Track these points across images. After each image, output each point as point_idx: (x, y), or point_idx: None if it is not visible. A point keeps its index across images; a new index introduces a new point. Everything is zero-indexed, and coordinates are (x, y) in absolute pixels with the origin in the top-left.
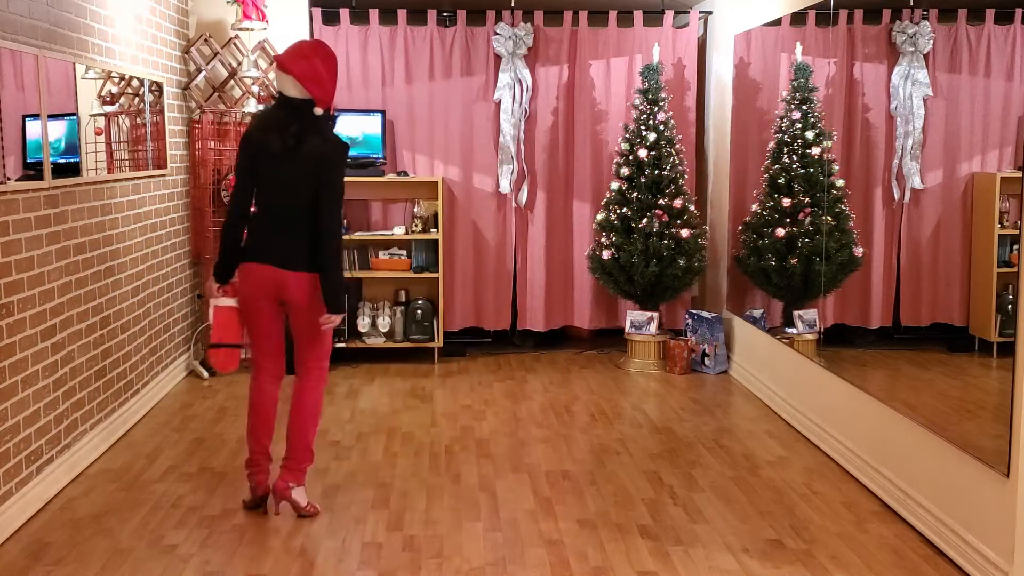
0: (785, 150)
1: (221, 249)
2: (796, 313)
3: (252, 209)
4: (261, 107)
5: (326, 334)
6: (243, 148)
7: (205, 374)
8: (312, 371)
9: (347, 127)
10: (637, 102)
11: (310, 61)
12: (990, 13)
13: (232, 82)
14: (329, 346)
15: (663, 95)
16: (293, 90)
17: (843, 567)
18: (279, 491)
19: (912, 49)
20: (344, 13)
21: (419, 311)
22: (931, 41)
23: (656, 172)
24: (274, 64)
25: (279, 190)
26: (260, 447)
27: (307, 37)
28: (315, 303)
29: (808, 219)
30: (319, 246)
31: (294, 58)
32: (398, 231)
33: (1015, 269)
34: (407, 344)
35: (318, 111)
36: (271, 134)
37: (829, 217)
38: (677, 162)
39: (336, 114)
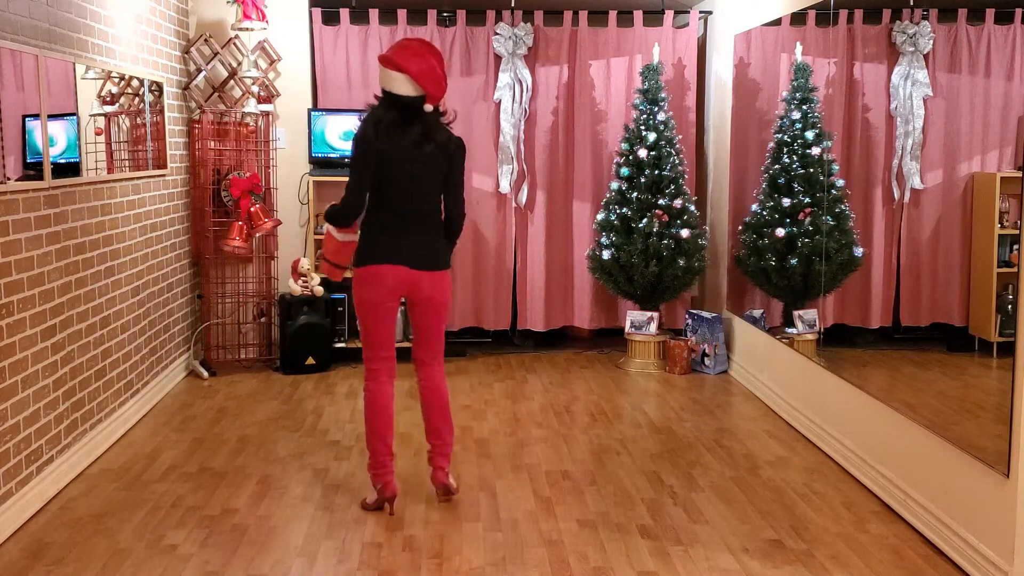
0: (785, 150)
1: (347, 212)
2: (796, 313)
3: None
4: (263, 107)
5: (444, 327)
6: (361, 152)
7: (205, 374)
8: (438, 363)
9: (347, 127)
10: (637, 102)
11: (425, 59)
12: (990, 13)
13: (232, 82)
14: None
15: (663, 95)
16: (405, 88)
17: (843, 567)
18: (441, 480)
19: (912, 49)
20: (344, 13)
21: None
22: (931, 41)
23: (656, 172)
24: (383, 63)
25: (409, 191)
26: (387, 447)
27: (307, 37)
28: (442, 300)
29: (808, 219)
30: (450, 231)
31: (409, 57)
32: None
33: (1015, 269)
34: (407, 344)
35: (428, 108)
36: (395, 137)
37: (829, 217)
38: (677, 162)
39: (444, 110)
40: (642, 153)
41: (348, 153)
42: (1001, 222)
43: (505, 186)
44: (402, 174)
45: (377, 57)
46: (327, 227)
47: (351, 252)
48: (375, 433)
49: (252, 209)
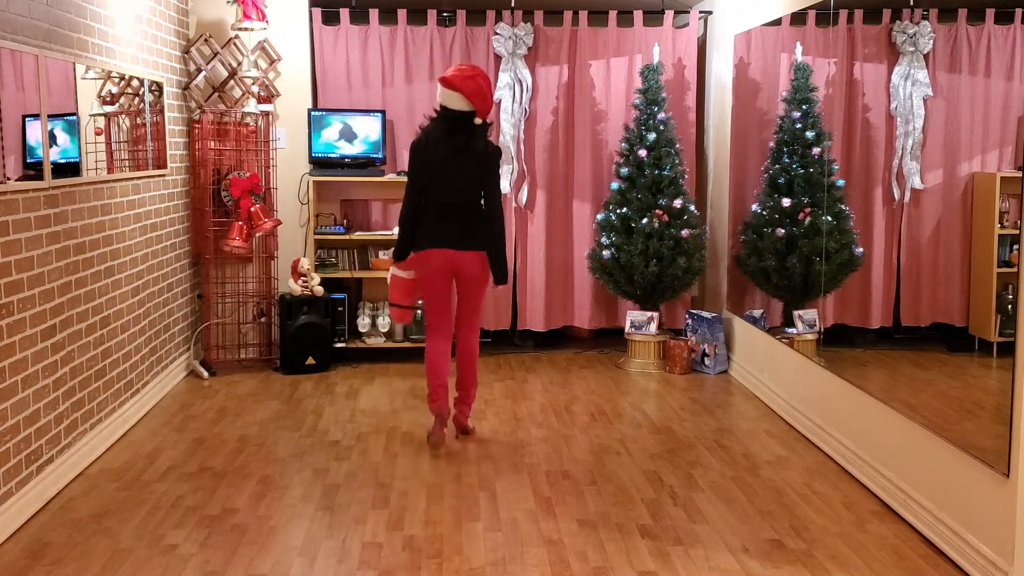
0: (785, 150)
1: (402, 239)
2: (796, 313)
3: None
4: (263, 107)
5: (482, 299)
6: (412, 157)
7: (205, 374)
8: (474, 327)
9: (348, 126)
10: (637, 102)
11: (475, 80)
12: (990, 13)
13: (232, 82)
14: (482, 308)
15: (663, 95)
16: (458, 104)
17: (843, 567)
18: (461, 422)
19: (912, 49)
20: (344, 13)
21: (419, 311)
22: (931, 41)
23: (656, 172)
24: (443, 84)
25: (448, 189)
26: (441, 381)
27: (307, 37)
28: (481, 274)
29: (808, 219)
30: (488, 228)
31: (463, 79)
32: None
33: (1015, 269)
34: (407, 344)
35: (478, 121)
36: (441, 144)
37: (829, 217)
38: (677, 162)
39: (490, 123)
40: (642, 153)
41: (349, 154)
42: (1001, 222)
43: (505, 186)
44: (443, 175)
45: (438, 79)
46: (392, 272)
47: (411, 290)
48: (431, 375)
49: (252, 209)
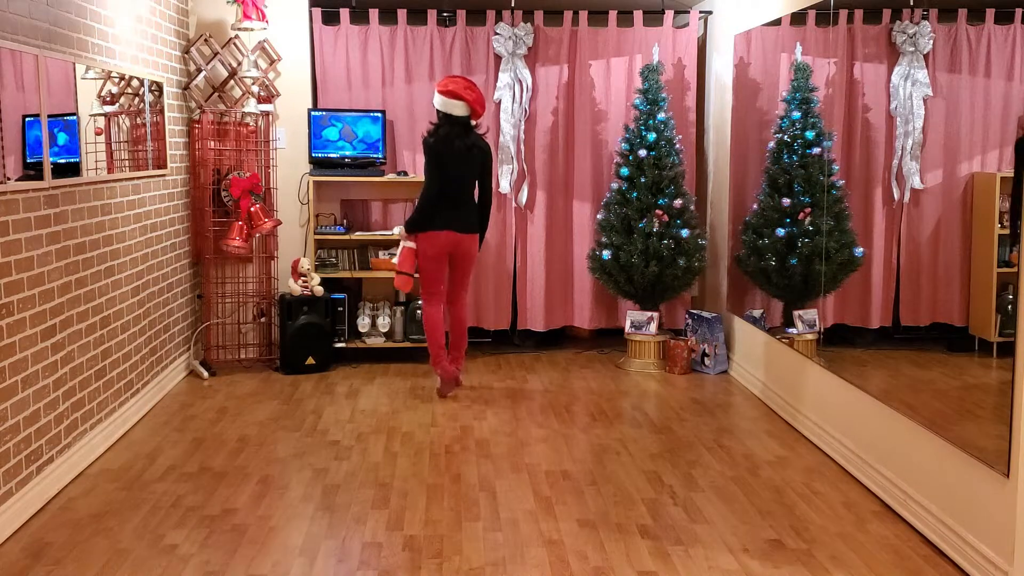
0: (785, 150)
1: (421, 217)
2: (796, 313)
3: None
4: (263, 107)
5: (471, 273)
6: (431, 156)
7: (205, 374)
8: (464, 296)
9: (347, 126)
10: (637, 102)
11: (475, 90)
12: (990, 13)
13: (232, 82)
14: (470, 281)
15: (663, 95)
16: (460, 111)
17: (843, 567)
18: (453, 374)
19: (912, 49)
20: (344, 13)
21: (419, 311)
22: (931, 41)
23: (656, 172)
24: (447, 95)
25: (457, 181)
26: (440, 347)
27: (307, 37)
28: (474, 253)
29: (808, 219)
30: (483, 210)
31: (463, 90)
32: (398, 231)
33: (1015, 269)
34: (407, 344)
35: (474, 123)
36: (451, 145)
37: (829, 217)
38: (677, 162)
39: (480, 124)
40: (642, 153)
41: (349, 154)
42: (1001, 222)
43: (505, 186)
44: (454, 170)
45: (439, 91)
46: (405, 243)
47: (414, 260)
48: (433, 340)
49: (252, 209)
